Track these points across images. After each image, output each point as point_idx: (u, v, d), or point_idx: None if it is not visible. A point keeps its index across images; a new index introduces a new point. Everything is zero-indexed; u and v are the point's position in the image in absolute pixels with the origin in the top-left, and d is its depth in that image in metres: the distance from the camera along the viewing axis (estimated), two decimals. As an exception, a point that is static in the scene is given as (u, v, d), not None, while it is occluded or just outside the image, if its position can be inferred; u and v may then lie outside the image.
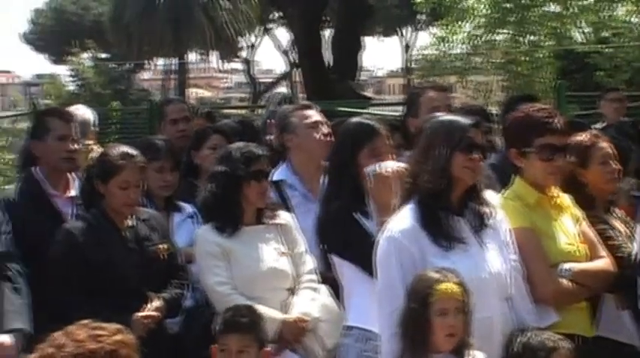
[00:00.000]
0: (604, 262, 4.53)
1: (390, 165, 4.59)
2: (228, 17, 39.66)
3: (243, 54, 48.69)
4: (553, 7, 18.40)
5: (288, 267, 5.05)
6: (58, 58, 43.97)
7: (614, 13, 18.03)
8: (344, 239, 4.60)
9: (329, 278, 4.96)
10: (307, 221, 5.07)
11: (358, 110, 13.30)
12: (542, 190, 4.53)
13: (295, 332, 4.91)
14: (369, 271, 4.27)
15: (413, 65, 40.70)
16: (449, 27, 18.56)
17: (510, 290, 4.21)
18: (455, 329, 3.83)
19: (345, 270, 4.67)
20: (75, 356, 2.73)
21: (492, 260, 4.16)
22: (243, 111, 22.55)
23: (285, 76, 46.72)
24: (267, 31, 46.10)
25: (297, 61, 36.45)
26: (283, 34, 54.91)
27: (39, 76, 54.23)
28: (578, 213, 4.62)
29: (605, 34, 17.79)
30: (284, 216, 5.16)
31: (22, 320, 4.57)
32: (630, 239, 4.69)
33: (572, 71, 17.20)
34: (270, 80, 51.34)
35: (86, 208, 5.08)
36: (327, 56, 29.78)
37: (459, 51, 18.97)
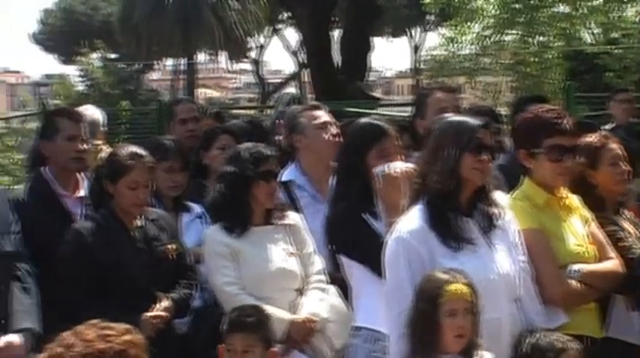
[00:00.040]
0: (613, 263, 4.52)
1: (399, 166, 4.59)
2: (237, 17, 39.68)
3: (252, 54, 48.72)
4: (562, 8, 18.36)
5: (296, 268, 5.05)
6: (67, 58, 44.02)
7: (624, 14, 17.99)
8: (352, 239, 4.60)
9: (337, 279, 4.96)
10: (316, 221, 5.07)
11: (367, 111, 13.30)
12: (551, 191, 4.53)
13: (304, 333, 4.91)
14: (378, 272, 4.27)
15: (422, 66, 40.66)
16: (458, 28, 18.54)
17: (519, 291, 4.21)
18: (464, 330, 3.83)
19: (354, 271, 4.67)
20: (84, 356, 2.74)
21: (501, 261, 4.16)
22: (252, 112, 22.55)
23: (294, 77, 46.74)
24: (276, 31, 46.11)
25: (305, 62, 36.44)
26: (292, 35, 55.04)
27: (48, 76, 54.32)
28: (587, 214, 4.61)
29: (614, 34, 17.75)
30: (293, 217, 5.16)
31: (31, 320, 4.58)
32: (640, 240, 4.68)
33: (581, 72, 17.17)
34: (279, 80, 51.38)
35: (95, 208, 5.09)
36: (336, 57, 29.77)
37: (467, 51, 18.96)
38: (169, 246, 5.02)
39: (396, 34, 49.86)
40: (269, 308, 4.77)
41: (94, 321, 2.85)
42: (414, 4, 25.12)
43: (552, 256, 4.40)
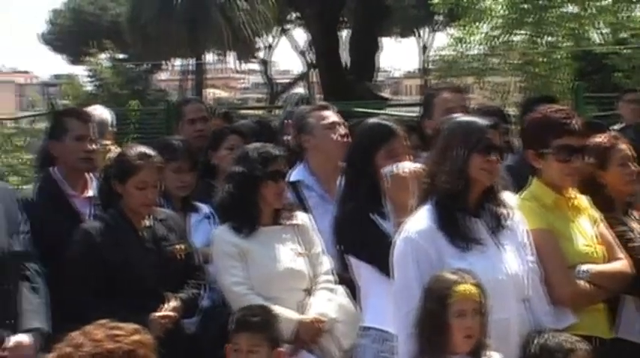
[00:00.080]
0: (622, 264, 4.51)
1: (408, 166, 4.59)
2: (246, 18, 39.70)
3: (261, 54, 48.74)
4: (571, 8, 18.32)
5: (304, 268, 5.05)
6: (75, 59, 44.08)
7: (633, 14, 17.93)
8: (360, 239, 4.60)
9: (346, 279, 4.96)
10: (324, 222, 5.07)
11: (375, 111, 13.30)
12: (560, 191, 4.52)
13: (312, 333, 4.91)
14: (386, 272, 4.27)
15: (430, 66, 40.60)
16: (466, 28, 18.50)
17: (527, 292, 4.21)
18: (472, 331, 3.83)
19: (362, 271, 4.67)
20: (93, 356, 2.74)
21: (509, 261, 4.16)
22: (260, 112, 22.55)
23: (303, 77, 46.74)
24: (284, 31, 46.12)
25: (314, 62, 36.45)
26: (300, 35, 55.02)
27: (57, 77, 54.38)
28: (596, 214, 4.61)
29: (623, 35, 17.71)
30: (301, 217, 5.17)
31: (40, 320, 4.59)
32: (649, 240, 4.67)
33: (590, 72, 17.14)
34: (288, 81, 51.40)
35: (104, 208, 5.09)
36: (345, 57, 29.77)
37: (476, 52, 18.91)
38: (178, 246, 5.03)
39: (404, 34, 49.85)
40: (277, 308, 4.77)
41: (103, 321, 2.85)
42: (423, 5, 25.09)
43: (561, 256, 4.39)
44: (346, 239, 4.70)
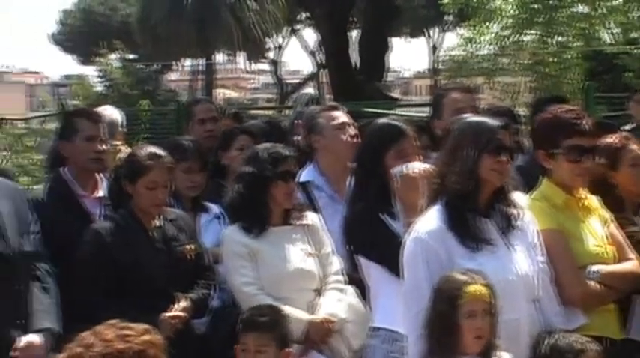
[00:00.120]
0: (632, 264, 4.50)
1: (417, 166, 4.58)
2: (256, 18, 39.72)
3: (271, 55, 48.78)
4: (581, 8, 18.31)
5: (314, 268, 5.05)
6: (86, 59, 44.18)
7: (643, 14, 17.93)
8: (370, 240, 4.60)
9: (355, 279, 4.96)
10: (334, 222, 5.07)
11: (385, 111, 13.29)
12: (570, 192, 4.52)
13: (322, 333, 4.91)
14: (396, 272, 4.27)
15: (440, 66, 40.58)
16: (476, 28, 18.50)
17: (538, 292, 4.20)
18: (483, 331, 3.82)
19: (372, 271, 4.67)
20: (103, 356, 2.75)
21: (520, 261, 4.15)
22: (270, 112, 22.55)
23: (312, 77, 46.74)
24: (294, 31, 46.13)
25: (324, 62, 36.45)
26: (310, 35, 55.03)
27: (67, 77, 54.45)
28: (606, 214, 4.60)
29: (633, 34, 17.70)
30: (311, 217, 5.17)
31: (50, 320, 4.59)
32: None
33: (600, 72, 17.12)
34: (297, 81, 51.43)
35: (114, 208, 5.10)
36: (354, 57, 29.75)
37: (486, 52, 18.92)
38: (188, 247, 5.03)
39: (414, 34, 49.80)
40: (287, 309, 4.78)
41: (113, 321, 2.86)
42: (433, 5, 25.08)
43: (571, 257, 4.38)
44: (356, 239, 4.70)
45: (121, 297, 4.75)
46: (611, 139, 4.87)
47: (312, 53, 45.60)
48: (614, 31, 18.50)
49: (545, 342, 4.08)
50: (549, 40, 18.18)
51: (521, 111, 9.30)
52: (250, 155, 5.19)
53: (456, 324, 3.81)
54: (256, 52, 45.78)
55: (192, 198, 5.65)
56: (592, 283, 4.38)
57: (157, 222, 5.00)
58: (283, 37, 47.84)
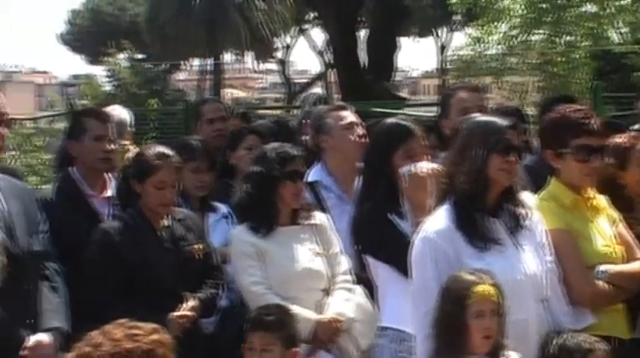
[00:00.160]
0: (641, 264, 4.50)
1: (426, 166, 4.58)
2: (264, 18, 39.75)
3: (279, 54, 48.77)
4: (590, 8, 18.28)
5: (322, 268, 5.06)
6: (94, 59, 44.20)
7: (652, 14, 17.89)
8: (378, 240, 4.60)
9: (363, 279, 4.96)
10: (342, 222, 5.07)
11: (393, 111, 13.26)
12: (578, 191, 4.51)
13: (330, 333, 4.91)
14: (404, 272, 4.27)
15: (448, 66, 40.52)
16: (484, 27, 18.48)
17: (546, 292, 4.20)
18: (491, 331, 3.82)
19: (380, 271, 4.67)
20: (112, 355, 2.75)
21: (528, 261, 4.15)
22: (278, 112, 22.54)
23: (320, 77, 46.71)
24: (302, 31, 46.12)
25: (332, 62, 36.40)
26: (318, 35, 54.96)
27: (75, 77, 54.53)
28: (615, 214, 4.59)
29: (642, 34, 17.66)
30: (319, 217, 5.17)
31: (59, 319, 4.60)
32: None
33: (608, 72, 17.09)
34: (305, 81, 51.41)
35: (122, 208, 5.11)
36: (363, 57, 29.71)
37: (494, 51, 18.90)
38: (196, 246, 5.04)
39: (422, 34, 49.75)
40: (295, 308, 4.78)
41: (122, 321, 2.86)
42: (441, 4, 25.06)
43: (579, 257, 4.38)
44: (364, 239, 4.70)
45: (130, 297, 4.76)
46: (619, 139, 4.87)
47: (320, 53, 45.59)
48: (622, 31, 18.47)
49: (554, 342, 4.08)
50: (557, 39, 18.15)
51: (530, 110, 9.29)
52: (258, 155, 5.19)
53: (464, 324, 3.81)
54: (264, 52, 45.80)
55: (200, 197, 5.66)
56: (600, 283, 4.37)
57: (166, 222, 5.01)
58: (291, 37, 47.88)
